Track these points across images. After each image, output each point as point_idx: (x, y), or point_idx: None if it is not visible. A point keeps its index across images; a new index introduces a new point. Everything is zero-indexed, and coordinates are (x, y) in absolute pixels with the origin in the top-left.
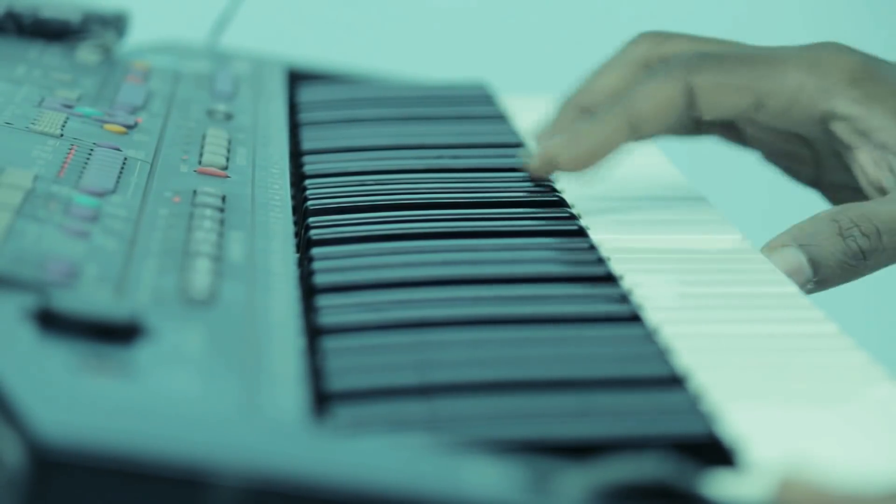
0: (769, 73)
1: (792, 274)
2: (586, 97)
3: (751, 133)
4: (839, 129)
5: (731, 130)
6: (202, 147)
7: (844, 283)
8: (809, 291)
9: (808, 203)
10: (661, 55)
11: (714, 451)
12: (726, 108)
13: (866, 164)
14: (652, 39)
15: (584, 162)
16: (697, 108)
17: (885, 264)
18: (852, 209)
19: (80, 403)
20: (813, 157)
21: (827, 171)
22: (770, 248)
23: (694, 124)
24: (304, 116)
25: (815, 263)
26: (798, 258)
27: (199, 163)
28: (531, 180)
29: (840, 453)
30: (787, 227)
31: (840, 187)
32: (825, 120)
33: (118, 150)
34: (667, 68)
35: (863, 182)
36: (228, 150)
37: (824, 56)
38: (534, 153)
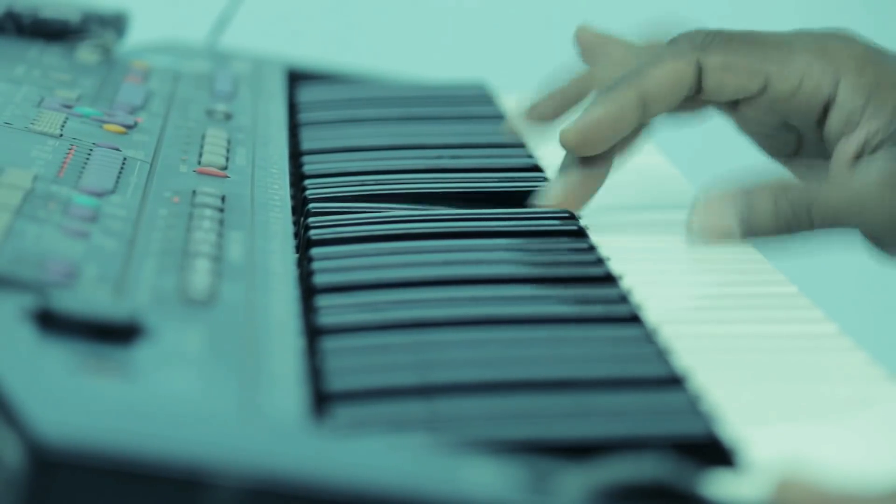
0: (777, 57)
1: (716, 218)
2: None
3: (742, 115)
4: (834, 116)
5: (727, 107)
6: (202, 147)
7: (776, 240)
8: (741, 238)
9: None
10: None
11: (713, 452)
12: (732, 88)
13: (846, 154)
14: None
15: (590, 135)
16: (703, 89)
17: (816, 237)
18: (795, 186)
19: (79, 404)
20: (796, 142)
21: (804, 152)
22: (708, 197)
23: (692, 103)
24: (303, 116)
25: (745, 217)
26: (724, 209)
27: (199, 163)
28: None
29: (839, 453)
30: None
31: (812, 167)
32: (827, 107)
33: (118, 150)
34: (676, 47)
35: (836, 169)
36: (228, 150)
37: (832, 43)
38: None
